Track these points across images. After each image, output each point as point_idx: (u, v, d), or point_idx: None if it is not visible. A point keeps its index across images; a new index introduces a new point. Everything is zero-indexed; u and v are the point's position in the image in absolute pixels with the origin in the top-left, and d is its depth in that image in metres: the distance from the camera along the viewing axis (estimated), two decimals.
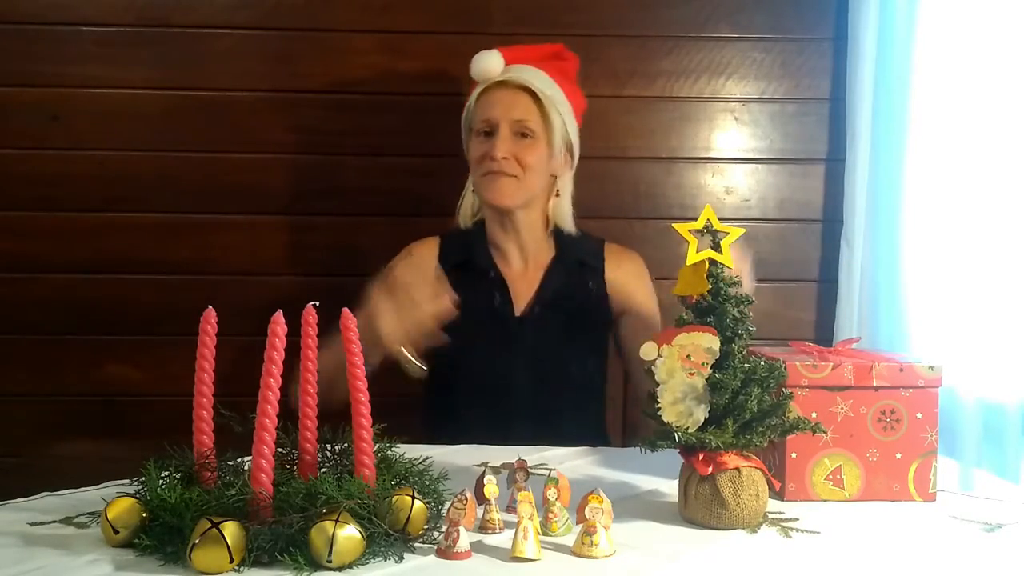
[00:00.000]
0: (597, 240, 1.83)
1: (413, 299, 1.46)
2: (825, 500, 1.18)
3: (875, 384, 1.18)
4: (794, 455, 1.18)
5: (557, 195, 1.77)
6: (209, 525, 0.88)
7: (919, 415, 1.18)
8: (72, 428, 2.07)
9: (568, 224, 1.79)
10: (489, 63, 1.74)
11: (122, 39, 2.05)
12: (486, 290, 1.75)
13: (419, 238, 1.82)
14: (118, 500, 0.97)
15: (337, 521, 0.88)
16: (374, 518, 0.92)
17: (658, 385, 1.06)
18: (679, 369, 1.06)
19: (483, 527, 1.03)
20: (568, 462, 1.36)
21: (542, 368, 1.68)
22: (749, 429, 1.06)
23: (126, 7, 2.05)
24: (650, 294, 1.80)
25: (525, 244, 1.77)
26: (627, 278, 1.79)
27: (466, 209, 1.81)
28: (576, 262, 1.78)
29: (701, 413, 1.05)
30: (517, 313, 1.75)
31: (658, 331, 1.61)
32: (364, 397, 1.00)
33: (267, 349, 0.95)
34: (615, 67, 2.11)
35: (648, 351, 1.08)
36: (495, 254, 1.78)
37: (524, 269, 1.78)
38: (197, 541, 0.87)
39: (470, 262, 1.77)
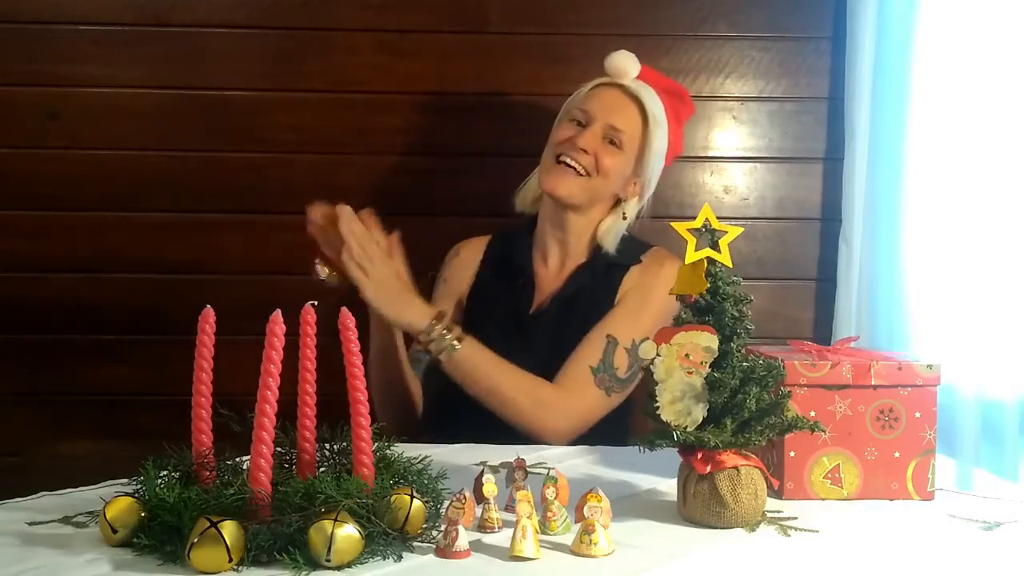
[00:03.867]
0: (645, 245, 1.78)
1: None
2: (824, 499, 1.18)
3: (873, 383, 1.18)
4: (792, 454, 1.18)
5: (624, 218, 1.76)
6: (208, 524, 0.88)
7: (917, 414, 1.18)
8: (71, 427, 2.07)
9: (610, 246, 1.75)
10: (625, 63, 1.73)
11: (121, 38, 2.05)
12: (514, 288, 1.76)
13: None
14: (117, 499, 0.97)
15: (336, 520, 0.88)
16: (373, 517, 0.92)
17: (657, 384, 1.07)
18: (678, 368, 1.06)
19: (482, 526, 1.03)
20: (567, 461, 1.36)
21: (553, 367, 1.64)
22: (748, 428, 1.06)
23: (125, 6, 2.05)
24: (661, 298, 1.66)
25: (568, 246, 1.76)
26: (645, 275, 1.72)
27: (525, 194, 1.81)
28: (605, 265, 1.74)
29: (700, 412, 1.05)
30: (531, 310, 1.74)
31: (622, 332, 1.63)
32: (363, 396, 1.00)
33: (266, 348, 0.95)
34: None
35: (647, 350, 1.08)
36: (536, 251, 1.79)
37: (559, 270, 1.77)
38: (196, 540, 0.87)
39: (510, 261, 1.78)
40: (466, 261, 1.83)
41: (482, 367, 1.56)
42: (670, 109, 1.76)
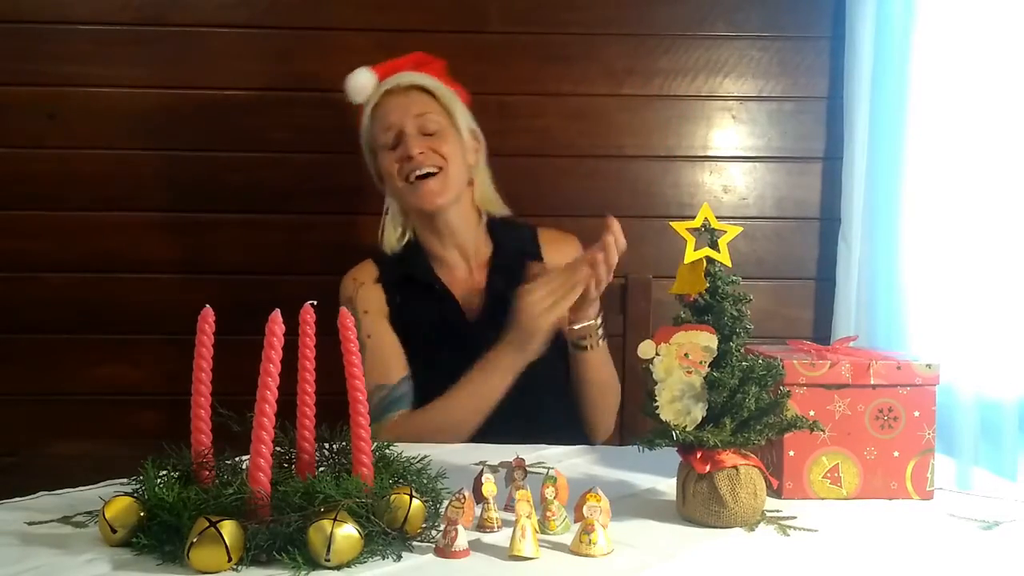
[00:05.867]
0: (530, 227, 1.83)
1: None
2: (823, 498, 1.18)
3: (873, 382, 1.18)
4: (792, 453, 1.18)
5: (471, 184, 1.77)
6: (207, 524, 0.88)
7: (916, 413, 1.18)
8: (70, 427, 2.07)
9: (499, 207, 1.80)
10: (362, 78, 1.75)
11: (119, 38, 2.05)
12: (434, 303, 1.74)
13: None
14: (116, 499, 0.97)
15: (335, 520, 0.88)
16: (372, 517, 0.92)
17: (656, 383, 1.07)
18: (677, 367, 1.06)
19: (481, 526, 1.03)
20: (566, 460, 1.36)
21: None
22: (747, 427, 1.06)
23: (123, 6, 2.05)
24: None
25: (464, 246, 1.76)
26: (566, 260, 1.71)
27: (390, 237, 1.78)
28: (516, 253, 1.77)
29: (699, 411, 1.05)
30: (469, 319, 1.73)
31: None
32: (362, 396, 1.00)
33: (265, 348, 0.95)
34: (612, 66, 2.11)
35: (646, 349, 1.08)
36: (435, 265, 1.77)
37: (468, 272, 1.77)
38: (195, 540, 0.87)
39: (412, 279, 1.75)
40: (372, 289, 1.75)
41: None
42: (426, 68, 1.77)
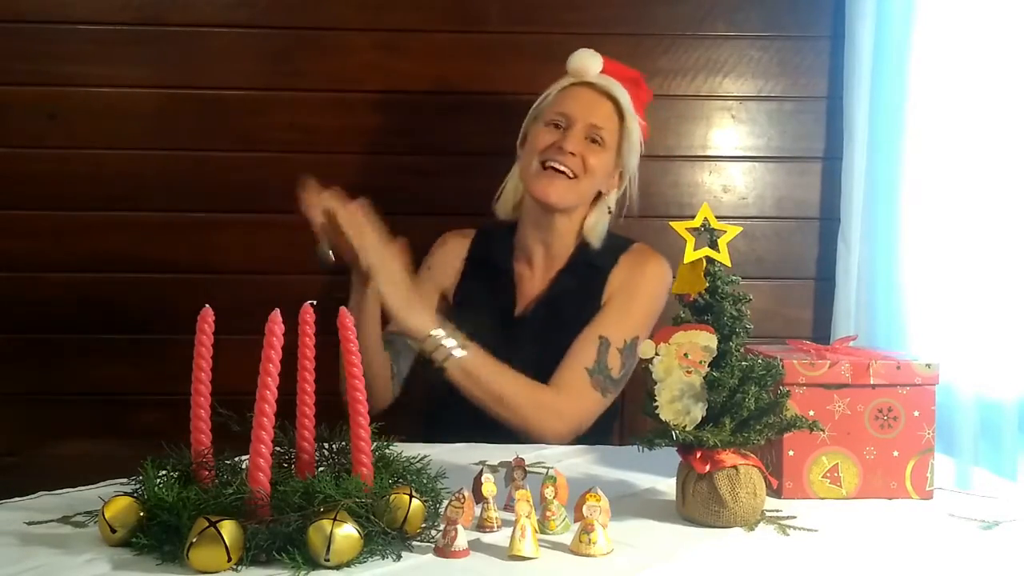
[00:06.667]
0: (625, 241, 1.79)
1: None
2: (822, 498, 1.18)
3: (872, 382, 1.18)
4: (791, 453, 1.18)
5: (609, 212, 1.77)
6: (207, 524, 0.88)
7: (916, 413, 1.18)
8: (70, 427, 2.07)
9: (596, 242, 1.76)
10: (589, 60, 1.73)
11: (119, 37, 2.05)
12: (495, 290, 1.76)
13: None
14: (116, 499, 0.97)
15: (335, 520, 0.88)
16: (372, 517, 0.92)
17: (655, 383, 1.07)
18: (676, 367, 1.06)
19: (481, 525, 1.03)
20: (566, 460, 1.36)
21: (540, 370, 1.63)
22: (746, 427, 1.06)
23: (123, 6, 2.05)
24: (647, 297, 1.71)
25: (552, 248, 1.76)
26: (630, 274, 1.72)
27: (506, 200, 1.80)
28: (587, 265, 1.75)
29: (698, 411, 1.05)
30: (516, 314, 1.74)
31: (612, 333, 1.62)
32: (362, 396, 1.00)
33: (264, 348, 0.95)
34: None
35: (645, 349, 1.08)
36: (519, 253, 1.78)
37: (543, 272, 1.77)
38: (195, 540, 0.87)
39: (492, 259, 1.78)
40: (453, 253, 1.82)
41: (484, 373, 1.56)
42: (634, 98, 1.76)
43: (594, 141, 1.69)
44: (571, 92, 1.73)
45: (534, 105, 1.77)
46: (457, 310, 1.75)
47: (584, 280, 1.73)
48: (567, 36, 2.05)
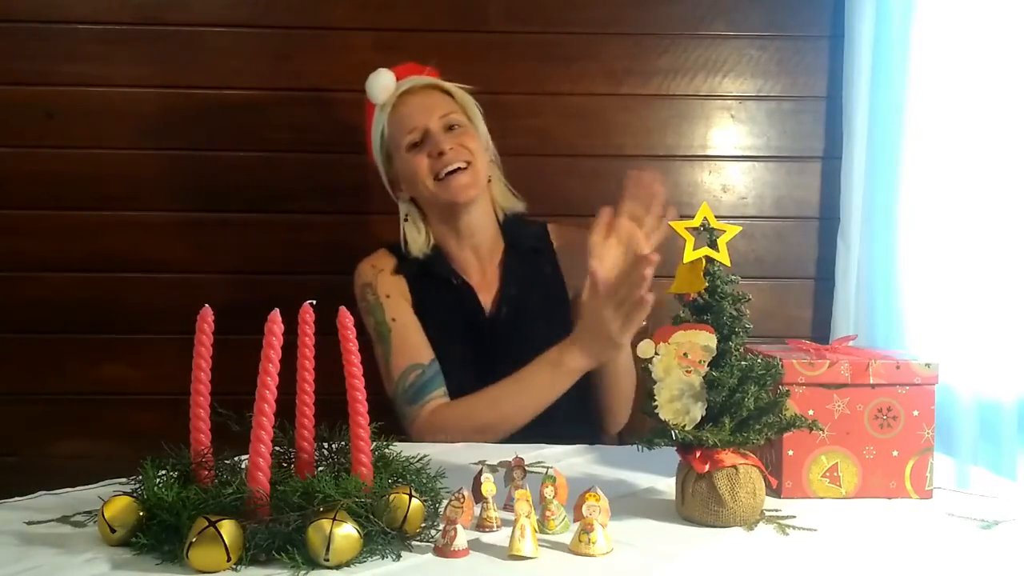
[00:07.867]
0: (540, 224, 1.86)
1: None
2: (822, 497, 1.18)
3: (872, 382, 1.18)
4: (791, 453, 1.18)
5: (489, 181, 1.78)
6: (206, 524, 0.88)
7: (916, 412, 1.18)
8: (69, 427, 2.07)
9: (515, 202, 1.82)
10: (385, 78, 1.75)
11: (118, 37, 2.05)
12: (453, 296, 1.75)
13: None
14: (115, 499, 0.97)
15: (334, 520, 0.88)
16: (371, 516, 0.92)
17: (655, 383, 1.07)
18: (676, 367, 1.06)
19: (480, 525, 1.03)
20: (565, 460, 1.36)
21: (522, 363, 1.61)
22: (746, 427, 1.06)
23: (122, 5, 2.05)
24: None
25: (479, 246, 1.77)
26: (580, 256, 1.68)
27: (415, 241, 1.77)
28: (528, 249, 1.80)
29: (698, 411, 1.05)
30: (486, 313, 1.75)
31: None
32: (361, 396, 1.00)
33: (264, 348, 0.95)
34: (611, 65, 2.11)
35: (645, 349, 1.08)
36: (456, 267, 1.78)
37: (483, 271, 1.78)
38: (194, 540, 0.87)
39: (429, 273, 1.76)
40: (392, 276, 1.76)
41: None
42: (423, 74, 1.79)
43: (452, 128, 1.72)
44: (399, 111, 1.74)
45: (375, 150, 1.77)
46: (425, 322, 1.73)
47: (532, 264, 1.79)
48: (567, 36, 2.06)
